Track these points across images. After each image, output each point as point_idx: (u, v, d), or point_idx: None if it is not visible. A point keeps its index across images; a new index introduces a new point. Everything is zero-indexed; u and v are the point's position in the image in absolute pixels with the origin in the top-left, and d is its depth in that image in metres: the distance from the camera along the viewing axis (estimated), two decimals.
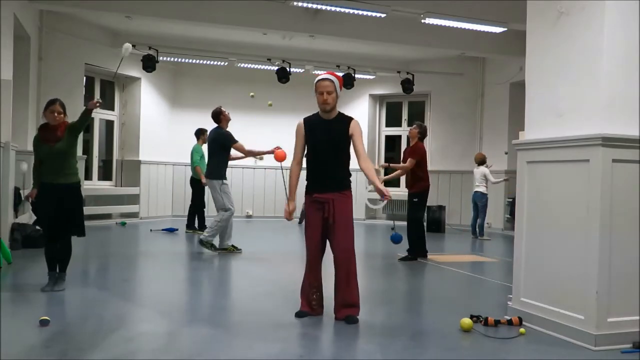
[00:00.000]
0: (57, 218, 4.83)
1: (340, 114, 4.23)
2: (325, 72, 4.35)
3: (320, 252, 4.24)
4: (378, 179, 4.28)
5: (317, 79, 4.20)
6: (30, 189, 5.02)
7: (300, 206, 11.71)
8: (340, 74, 11.51)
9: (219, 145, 7.39)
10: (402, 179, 13.35)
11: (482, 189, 10.19)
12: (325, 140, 4.14)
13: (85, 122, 4.92)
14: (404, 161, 7.49)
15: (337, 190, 4.14)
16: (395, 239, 7.32)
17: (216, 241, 7.43)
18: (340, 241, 4.11)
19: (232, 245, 7.46)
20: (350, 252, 4.14)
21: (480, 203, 10.20)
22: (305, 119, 4.28)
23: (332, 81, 4.12)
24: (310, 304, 4.26)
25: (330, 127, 4.16)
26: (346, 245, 4.12)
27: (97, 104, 4.81)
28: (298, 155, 4.28)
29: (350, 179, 4.23)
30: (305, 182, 4.27)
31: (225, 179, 7.36)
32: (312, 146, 4.20)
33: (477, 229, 10.24)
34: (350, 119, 4.20)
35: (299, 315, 4.20)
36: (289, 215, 4.27)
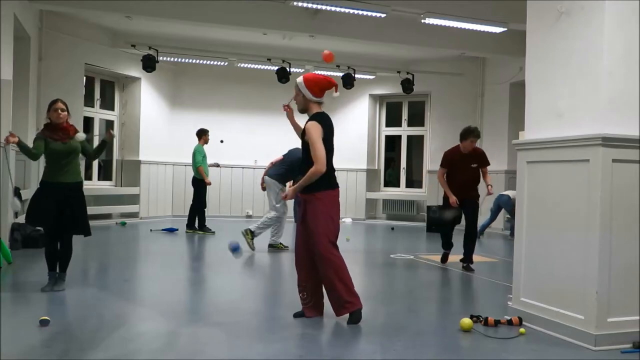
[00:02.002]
0: (59, 217, 4.82)
1: (311, 116, 4.17)
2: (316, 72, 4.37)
3: (301, 251, 4.19)
4: (300, 185, 4.08)
5: None
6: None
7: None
8: (340, 74, 11.64)
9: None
10: (402, 180, 13.44)
11: (510, 193, 9.69)
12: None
13: (100, 153, 5.27)
14: (465, 165, 6.60)
15: (308, 192, 4.11)
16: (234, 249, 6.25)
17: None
18: (311, 244, 4.07)
19: (280, 243, 8.01)
20: (319, 255, 4.03)
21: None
22: None
23: (297, 84, 4.17)
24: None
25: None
26: (315, 248, 4.04)
27: (113, 135, 5.16)
28: None
29: (324, 182, 4.04)
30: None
31: (284, 185, 7.79)
32: None
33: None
34: (308, 120, 4.15)
35: (297, 315, 4.20)
36: None
